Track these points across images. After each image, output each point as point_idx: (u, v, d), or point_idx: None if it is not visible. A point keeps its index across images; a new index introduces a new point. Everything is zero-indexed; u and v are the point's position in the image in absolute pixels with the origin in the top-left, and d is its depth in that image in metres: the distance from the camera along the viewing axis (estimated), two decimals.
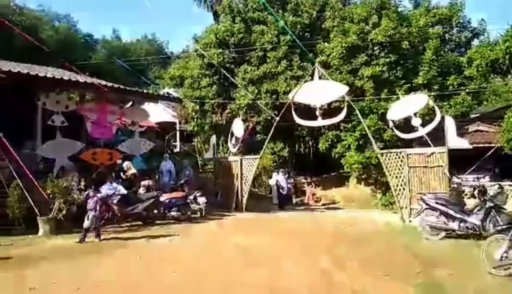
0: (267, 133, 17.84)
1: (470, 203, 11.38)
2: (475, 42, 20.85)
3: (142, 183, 14.74)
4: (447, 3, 20.56)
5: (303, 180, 22.25)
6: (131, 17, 75.81)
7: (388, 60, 17.93)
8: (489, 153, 15.66)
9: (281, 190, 18.86)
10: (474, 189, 11.18)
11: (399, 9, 20.45)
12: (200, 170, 21.31)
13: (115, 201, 12.38)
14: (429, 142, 13.99)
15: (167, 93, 24.13)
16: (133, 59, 33.85)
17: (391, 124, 15.66)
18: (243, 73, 20.07)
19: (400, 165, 14.16)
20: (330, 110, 16.52)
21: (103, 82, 15.57)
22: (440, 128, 14.02)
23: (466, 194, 13.22)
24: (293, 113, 15.72)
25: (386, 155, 14.58)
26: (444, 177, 13.40)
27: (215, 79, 20.65)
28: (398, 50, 18.17)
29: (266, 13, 21.01)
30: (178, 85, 24.11)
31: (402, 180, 14.04)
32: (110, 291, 6.78)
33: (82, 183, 12.48)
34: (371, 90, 17.88)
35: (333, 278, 7.31)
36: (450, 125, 13.84)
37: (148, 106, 17.99)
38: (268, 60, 20.05)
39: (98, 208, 10.62)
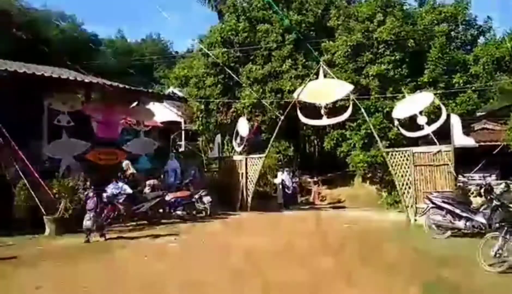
0: (272, 132, 17.81)
1: (476, 201, 11.32)
2: (481, 40, 20.73)
3: (148, 182, 14.77)
4: (453, 1, 20.43)
5: (308, 179, 22.21)
6: (136, 17, 75.97)
7: (393, 58, 17.85)
8: (495, 151, 15.57)
9: (286, 190, 18.83)
10: (481, 187, 11.10)
11: (404, 7, 20.34)
12: (205, 170, 21.32)
13: (120, 201, 12.41)
14: (435, 140, 13.92)
15: (172, 92, 24.17)
16: (138, 59, 33.94)
17: (396, 122, 15.57)
18: (248, 72, 20.06)
19: (406, 164, 14.09)
20: (335, 109, 16.46)
21: (108, 82, 15.60)
22: (446, 126, 13.94)
23: (472, 193, 13.13)
24: (298, 112, 15.69)
25: (392, 154, 14.51)
26: (450, 175, 13.33)
27: (219, 79, 20.64)
28: (403, 48, 18.09)
29: (270, 12, 20.98)
30: (183, 85, 24.14)
31: (408, 179, 13.97)
32: (117, 290, 6.80)
33: (88, 183, 12.51)
34: (376, 88, 17.81)
35: (337, 276, 7.30)
36: (456, 123, 13.74)
37: (153, 106, 18.02)
38: (272, 59, 20.03)
39: (98, 208, 10.59)
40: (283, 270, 7.77)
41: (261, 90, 19.49)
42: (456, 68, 18.87)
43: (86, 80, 14.67)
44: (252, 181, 17.07)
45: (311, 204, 19.87)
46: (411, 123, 15.35)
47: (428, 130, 14.22)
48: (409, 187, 13.91)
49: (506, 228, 7.43)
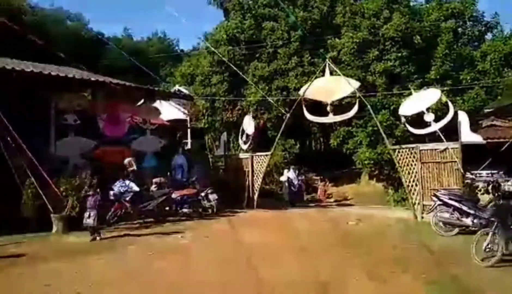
0: (278, 130, 17.81)
1: (484, 199, 11.24)
2: (489, 36, 20.68)
3: (154, 180, 14.79)
4: None
5: (314, 177, 22.19)
6: (142, 16, 76.11)
7: (400, 55, 17.79)
8: (503, 147, 15.43)
9: (292, 187, 18.82)
10: (488, 184, 11.03)
11: (411, 4, 20.29)
12: (212, 167, 21.34)
13: (127, 198, 12.47)
14: (442, 137, 13.83)
15: (178, 90, 24.20)
16: (144, 57, 33.97)
17: (403, 119, 15.49)
18: (254, 70, 20.06)
19: (413, 161, 14.01)
20: (341, 106, 16.44)
21: (115, 80, 15.64)
22: (453, 123, 13.85)
23: (479, 190, 13.04)
24: (304, 109, 15.65)
25: (398, 151, 14.44)
26: (457, 172, 13.24)
27: (225, 76, 20.68)
28: (410, 45, 18.01)
29: (276, 9, 20.96)
30: (189, 83, 24.18)
31: (415, 176, 13.90)
32: (124, 288, 6.83)
33: (95, 181, 12.55)
34: (383, 85, 17.76)
35: (345, 274, 7.29)
36: (463, 120, 13.64)
37: (159, 104, 18.05)
38: (278, 57, 20.02)
39: (97, 206, 10.59)
40: (293, 267, 7.78)
41: (267, 87, 19.50)
42: (464, 65, 18.78)
43: (93, 79, 14.71)
44: (258, 178, 17.07)
45: (317, 202, 19.86)
46: (418, 120, 15.28)
47: (435, 127, 14.15)
48: (416, 185, 13.83)
49: (496, 223, 7.69)
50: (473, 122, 15.13)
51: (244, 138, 17.92)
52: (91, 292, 6.49)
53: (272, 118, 19.71)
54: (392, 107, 17.37)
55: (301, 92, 16.37)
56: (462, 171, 13.21)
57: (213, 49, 20.28)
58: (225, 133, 19.50)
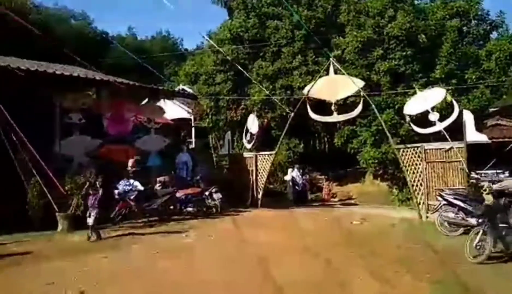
0: (282, 129, 17.78)
1: (488, 198, 11.17)
2: (494, 34, 20.52)
3: (158, 179, 14.82)
4: None
5: (319, 176, 22.16)
6: (145, 15, 76.14)
7: (404, 54, 17.72)
8: (508, 147, 15.36)
9: (296, 186, 18.81)
10: (493, 183, 10.96)
11: (415, 2, 20.21)
12: (216, 166, 21.35)
13: (132, 197, 12.51)
14: (447, 137, 13.77)
15: (182, 89, 24.19)
16: (148, 56, 33.99)
17: (408, 119, 15.44)
18: (258, 69, 20.04)
19: (418, 161, 13.95)
20: (345, 105, 16.40)
21: (119, 79, 15.67)
22: (458, 122, 13.79)
23: (485, 190, 12.97)
24: (308, 108, 15.63)
25: (403, 151, 14.39)
26: (462, 172, 13.19)
27: (229, 75, 20.67)
28: (414, 44, 17.94)
29: (280, 8, 20.92)
30: (193, 82, 24.18)
31: (419, 176, 13.85)
32: (128, 287, 6.84)
33: (100, 180, 12.58)
34: (387, 84, 17.70)
35: (349, 273, 7.28)
36: (468, 119, 13.57)
37: (163, 103, 18.07)
38: (282, 56, 19.99)
39: (97, 204, 10.58)
40: (297, 266, 7.80)
41: (271, 87, 19.47)
42: (469, 64, 18.67)
43: (97, 78, 14.75)
44: (262, 178, 17.07)
45: (322, 201, 19.81)
46: (422, 119, 15.22)
47: (440, 126, 14.08)
48: (421, 184, 13.79)
49: (485, 221, 8.04)
50: (478, 122, 15.03)
51: (248, 137, 17.92)
52: (95, 291, 6.52)
53: (276, 117, 19.69)
54: (396, 106, 17.30)
55: (305, 91, 16.33)
56: (467, 170, 13.14)
57: (217, 47, 20.27)
58: (229, 132, 19.50)
